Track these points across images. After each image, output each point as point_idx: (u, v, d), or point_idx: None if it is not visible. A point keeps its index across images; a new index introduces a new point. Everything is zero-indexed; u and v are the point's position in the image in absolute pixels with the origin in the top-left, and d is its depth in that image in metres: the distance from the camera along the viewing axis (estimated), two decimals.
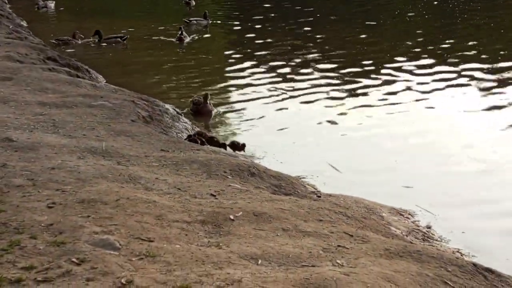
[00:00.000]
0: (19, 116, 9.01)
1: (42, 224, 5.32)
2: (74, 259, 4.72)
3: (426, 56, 17.42)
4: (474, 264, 5.82)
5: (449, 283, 5.26)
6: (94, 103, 10.28)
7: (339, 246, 5.65)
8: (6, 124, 8.49)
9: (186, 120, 11.64)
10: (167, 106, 11.74)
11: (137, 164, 7.55)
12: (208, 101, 12.44)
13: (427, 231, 7.62)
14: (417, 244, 6.54)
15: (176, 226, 5.64)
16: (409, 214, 8.07)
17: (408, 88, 14.41)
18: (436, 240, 7.41)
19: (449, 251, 6.85)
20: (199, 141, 9.84)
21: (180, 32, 19.35)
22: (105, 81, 14.04)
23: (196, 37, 20.32)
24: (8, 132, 8.08)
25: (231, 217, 6.00)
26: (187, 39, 19.28)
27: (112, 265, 4.68)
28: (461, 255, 6.82)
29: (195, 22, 22.33)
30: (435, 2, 28.27)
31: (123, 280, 4.43)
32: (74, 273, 4.53)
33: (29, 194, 6.02)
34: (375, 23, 23.20)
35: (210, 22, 22.68)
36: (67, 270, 4.57)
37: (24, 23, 20.93)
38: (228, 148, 10.30)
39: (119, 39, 19.34)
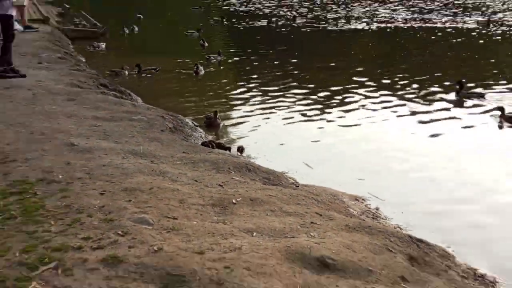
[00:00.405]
0: (79, 127, 9.02)
1: (96, 206, 5.34)
2: (119, 232, 4.74)
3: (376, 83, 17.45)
4: (410, 236, 5.86)
5: (392, 250, 5.29)
6: (134, 117, 10.29)
7: (312, 222, 5.68)
8: (70, 133, 8.50)
9: (201, 130, 11.65)
10: (187, 120, 11.75)
11: (165, 162, 7.58)
12: (217, 117, 12.48)
13: (375, 212, 7.65)
14: (368, 221, 6.58)
15: (193, 208, 5.67)
16: (362, 199, 8.11)
17: (362, 107, 14.46)
18: (382, 218, 7.44)
19: (391, 227, 6.89)
20: (210, 146, 9.85)
21: (196, 67, 19.26)
22: (142, 101, 14.04)
23: (209, 70, 20.27)
24: (71, 138, 8.10)
25: (234, 201, 6.03)
26: (202, 72, 19.19)
27: (147, 236, 4.70)
28: (400, 229, 6.85)
29: (213, 58, 22.34)
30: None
31: (155, 247, 4.46)
32: (120, 242, 4.56)
33: (86, 184, 6.03)
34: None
35: (222, 58, 22.63)
36: (114, 240, 4.59)
37: (83, 59, 20.89)
38: (232, 150, 10.31)
39: (153, 70, 19.28)
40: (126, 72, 18.75)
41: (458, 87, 14.37)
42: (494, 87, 16.21)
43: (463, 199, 8.26)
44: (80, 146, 7.69)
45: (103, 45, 24.40)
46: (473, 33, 29.29)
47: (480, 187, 8.77)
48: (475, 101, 14.28)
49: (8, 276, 3.88)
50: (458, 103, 14.34)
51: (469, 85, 15.42)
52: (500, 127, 11.95)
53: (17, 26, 18.88)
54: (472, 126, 12.32)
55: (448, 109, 13.78)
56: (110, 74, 18.33)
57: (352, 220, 6.05)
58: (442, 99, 14.88)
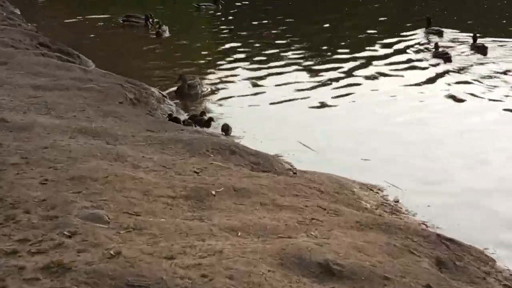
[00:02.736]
0: (13, 98, 8.93)
1: (36, 200, 5.30)
2: (66, 232, 4.71)
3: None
4: (438, 235, 5.88)
5: (415, 252, 5.31)
6: (84, 86, 10.21)
7: (313, 219, 5.68)
8: (0, 106, 8.41)
9: (171, 102, 11.60)
10: (153, 89, 11.68)
11: (124, 143, 7.53)
12: (190, 84, 12.48)
13: (395, 204, 7.67)
14: (385, 217, 6.60)
15: (161, 201, 5.65)
16: (378, 189, 8.12)
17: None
18: (403, 213, 7.46)
19: (415, 223, 6.91)
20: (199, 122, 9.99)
21: (158, 26, 18.79)
22: (94, 65, 13.92)
23: (191, 26, 19.98)
24: (3, 113, 8.01)
25: (213, 192, 6.01)
26: (166, 34, 18.76)
27: (102, 237, 4.68)
28: (426, 227, 6.87)
29: (204, 6, 21.56)
30: None
31: (112, 251, 4.44)
32: (66, 245, 4.53)
33: (23, 172, 5.99)
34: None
35: (219, 6, 21.55)
36: (59, 242, 4.56)
37: (17, 11, 20.63)
38: (213, 127, 10.34)
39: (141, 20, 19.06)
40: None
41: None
42: None
43: (507, 190, 8.31)
44: (14, 123, 7.61)
45: None
46: None
47: None
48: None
49: None
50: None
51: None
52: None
53: None
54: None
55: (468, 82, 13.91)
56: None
57: (364, 215, 6.06)
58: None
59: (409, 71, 14.79)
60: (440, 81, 13.95)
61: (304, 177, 7.49)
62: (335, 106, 12.10)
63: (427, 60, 15.77)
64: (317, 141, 9.92)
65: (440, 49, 16.03)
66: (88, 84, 10.40)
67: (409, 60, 15.76)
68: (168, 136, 8.06)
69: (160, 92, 11.79)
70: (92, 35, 18.53)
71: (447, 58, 15.40)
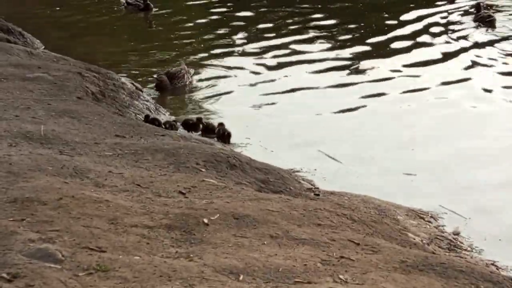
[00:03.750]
0: None
1: None
2: (4, 274, 4.70)
3: None
4: None
5: None
6: (29, 75, 10.22)
7: (342, 257, 5.67)
8: None
9: (147, 98, 11.63)
10: (124, 79, 11.71)
11: (84, 153, 7.53)
12: (174, 73, 12.52)
13: (454, 238, 7.67)
14: (441, 255, 6.58)
15: (134, 233, 5.64)
16: (431, 216, 8.12)
17: None
18: (466, 249, 7.46)
19: (481, 264, 6.90)
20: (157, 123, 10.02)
21: None
22: (43, 47, 13.96)
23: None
24: None
25: (205, 220, 6.00)
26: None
27: (53, 281, 4.67)
28: (497, 269, 6.86)
29: None
30: None
31: None
32: None
33: None
34: None
35: None
36: None
37: None
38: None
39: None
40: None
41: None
42: None
43: None
44: None
45: None
46: None
47: None
48: None
49: None
50: None
51: None
52: None
53: None
54: None
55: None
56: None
57: (412, 253, 6.05)
58: None
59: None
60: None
61: (330, 200, 7.49)
62: (363, 106, 12.13)
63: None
64: (343, 150, 9.96)
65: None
66: (35, 72, 10.41)
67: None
68: (144, 144, 8.06)
69: (133, 84, 11.83)
70: (42, 6, 18.58)
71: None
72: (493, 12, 17.51)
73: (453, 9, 18.30)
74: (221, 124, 10.48)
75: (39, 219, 5.60)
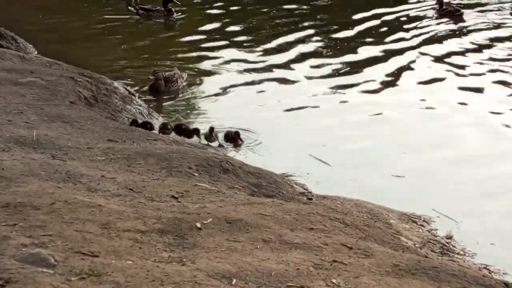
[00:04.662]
0: None
1: None
2: None
3: None
4: (506, 284, 5.87)
5: None
6: (22, 80, 10.21)
7: (334, 261, 5.67)
8: None
9: (140, 102, 11.61)
10: (116, 84, 11.69)
11: (77, 158, 7.52)
12: (168, 77, 12.53)
13: (447, 242, 7.67)
14: (434, 259, 6.59)
15: (127, 237, 5.63)
16: (424, 220, 8.13)
17: None
18: (458, 253, 7.47)
19: (474, 267, 6.91)
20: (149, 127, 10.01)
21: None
22: (36, 51, 13.94)
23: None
24: None
25: (198, 225, 6.00)
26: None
27: (46, 286, 4.66)
28: (490, 273, 6.87)
29: None
30: None
31: None
32: None
33: None
34: None
35: None
36: None
37: None
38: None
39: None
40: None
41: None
42: None
43: None
44: None
45: None
46: None
47: None
48: None
49: None
50: None
51: None
52: None
53: None
54: None
55: None
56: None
57: (404, 257, 6.05)
58: None
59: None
60: None
61: (323, 204, 7.49)
62: (356, 110, 12.17)
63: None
64: (335, 154, 9.97)
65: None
66: (27, 77, 10.40)
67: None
68: (137, 149, 8.05)
69: (126, 89, 11.82)
70: (34, 10, 18.54)
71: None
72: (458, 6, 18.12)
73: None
74: (212, 129, 10.47)
75: (32, 224, 5.58)
